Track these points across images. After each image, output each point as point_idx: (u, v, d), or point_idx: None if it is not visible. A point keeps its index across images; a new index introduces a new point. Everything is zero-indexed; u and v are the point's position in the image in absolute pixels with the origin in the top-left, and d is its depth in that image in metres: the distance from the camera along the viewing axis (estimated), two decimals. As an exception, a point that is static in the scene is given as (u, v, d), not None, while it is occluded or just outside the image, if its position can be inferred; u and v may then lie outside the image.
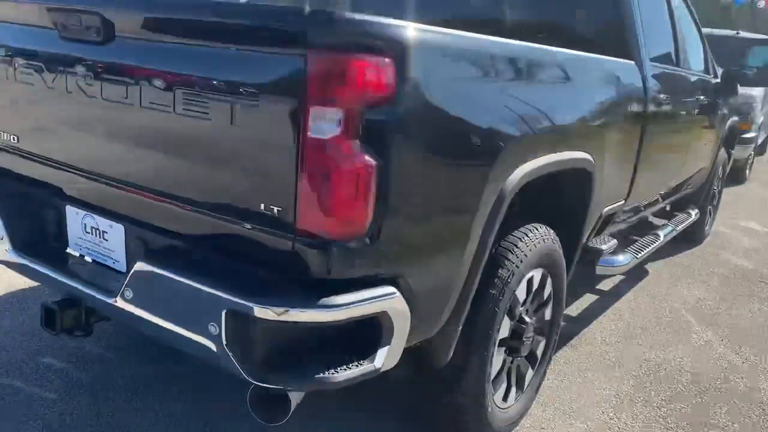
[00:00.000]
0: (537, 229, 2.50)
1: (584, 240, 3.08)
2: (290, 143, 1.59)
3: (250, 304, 1.61)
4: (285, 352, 1.70)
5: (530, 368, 2.73)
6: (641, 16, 3.37)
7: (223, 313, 1.65)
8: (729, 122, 5.35)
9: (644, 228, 4.40)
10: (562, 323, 3.74)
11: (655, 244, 4.00)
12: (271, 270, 1.73)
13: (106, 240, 2.10)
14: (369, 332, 1.77)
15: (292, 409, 1.80)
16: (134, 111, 1.85)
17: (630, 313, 4.11)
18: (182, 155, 1.83)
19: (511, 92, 2.08)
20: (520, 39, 2.21)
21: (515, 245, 2.37)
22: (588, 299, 4.26)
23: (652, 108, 3.36)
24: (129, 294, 1.87)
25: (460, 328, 2.14)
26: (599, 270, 3.48)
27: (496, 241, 2.31)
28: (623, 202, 3.38)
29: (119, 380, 2.82)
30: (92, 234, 2.14)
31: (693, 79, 4.28)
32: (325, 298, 1.64)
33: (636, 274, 4.75)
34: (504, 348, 2.50)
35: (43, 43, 2.07)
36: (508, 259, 2.33)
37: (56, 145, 2.17)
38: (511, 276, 2.32)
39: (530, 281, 2.53)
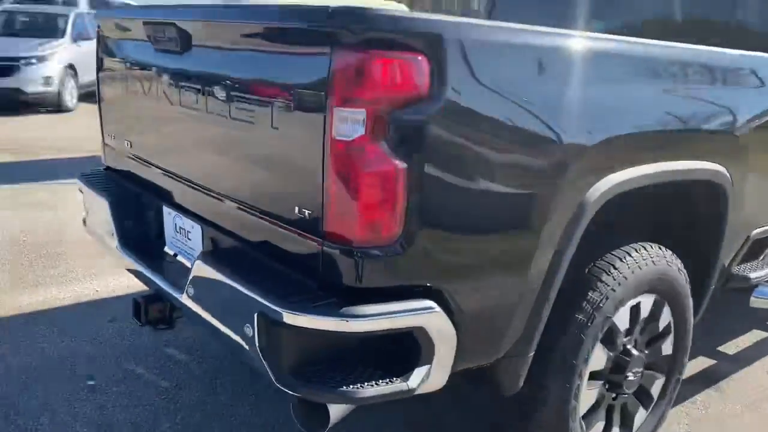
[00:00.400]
0: (645, 249, 2.20)
1: (723, 265, 2.66)
2: (318, 145, 1.55)
3: (279, 309, 1.59)
4: (315, 360, 1.65)
5: (642, 408, 2.40)
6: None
7: (256, 315, 1.64)
8: None
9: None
10: (714, 361, 3.33)
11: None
12: (307, 275, 1.69)
13: (190, 239, 2.21)
14: (404, 349, 1.65)
15: (332, 422, 1.74)
16: (199, 116, 1.94)
17: (806, 358, 3.47)
18: (234, 158, 1.87)
19: (587, 94, 1.83)
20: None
21: (612, 266, 2.10)
22: (754, 336, 3.68)
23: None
24: (191, 291, 1.94)
25: (531, 354, 1.93)
26: (753, 302, 2.99)
27: (583, 260, 2.08)
28: (781, 224, 2.87)
29: (230, 375, 2.95)
30: (181, 234, 2.27)
31: None
32: (351, 307, 1.57)
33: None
34: (601, 381, 2.21)
35: (144, 55, 2.25)
36: (602, 281, 2.07)
37: (154, 150, 2.34)
38: (604, 300, 2.05)
39: (636, 308, 2.22)
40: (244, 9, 1.73)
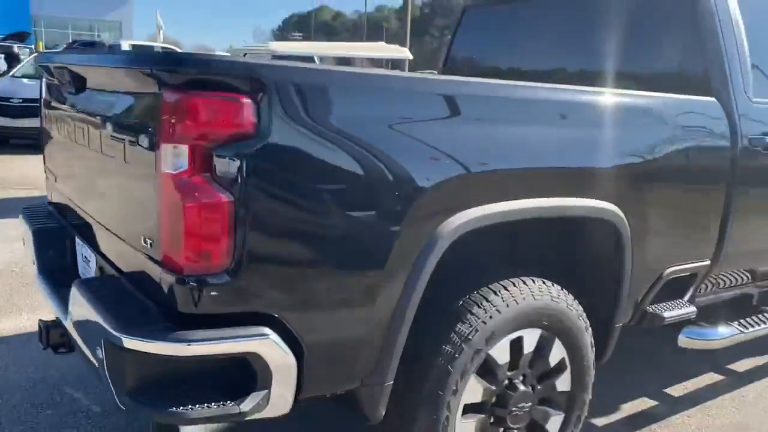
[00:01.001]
0: (524, 284, 2.23)
1: (636, 303, 2.66)
2: (153, 179, 1.66)
3: (118, 334, 1.68)
4: (158, 382, 1.73)
5: (537, 444, 2.40)
6: (740, 43, 2.88)
7: (103, 340, 1.74)
8: None
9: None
10: (655, 402, 3.27)
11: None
12: (156, 302, 1.79)
13: (90, 268, 2.34)
14: (241, 373, 1.73)
15: (183, 444, 1.82)
16: (86, 152, 2.09)
17: (756, 402, 3.39)
18: (105, 190, 2.00)
19: (427, 133, 1.90)
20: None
21: (485, 299, 2.14)
22: (707, 380, 3.61)
23: (748, 154, 2.82)
24: (71, 316, 2.06)
25: (389, 383, 1.98)
26: (682, 342, 2.97)
27: (454, 293, 2.13)
28: (708, 263, 2.85)
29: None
30: (85, 262, 2.40)
31: None
32: (181, 332, 1.65)
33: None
34: (482, 414, 2.23)
35: (58, 96, 2.42)
36: (472, 314, 2.11)
37: (66, 183, 2.50)
38: (473, 332, 2.09)
39: (517, 342, 2.24)
40: (108, 54, 1.88)
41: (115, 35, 40.23)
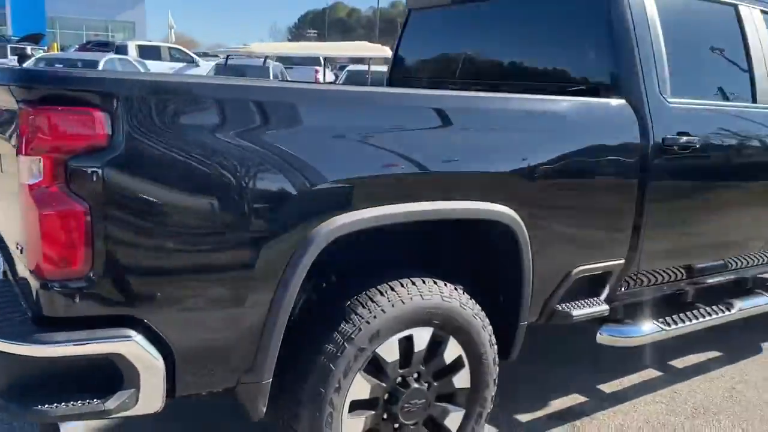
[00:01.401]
0: (413, 284, 2.29)
1: (544, 302, 2.71)
2: (18, 188, 1.76)
3: (-19, 337, 1.78)
4: (26, 383, 1.82)
5: (435, 441, 2.46)
6: (656, 45, 2.91)
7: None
8: None
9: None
10: (585, 398, 3.32)
11: (709, 318, 3.29)
12: (30, 306, 1.89)
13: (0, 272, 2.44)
14: (109, 373, 1.82)
15: (64, 439, 1.92)
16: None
17: (686, 399, 3.42)
18: (2, 199, 2.10)
19: (299, 140, 1.98)
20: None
21: (370, 299, 2.21)
22: (645, 375, 3.64)
23: (660, 155, 2.86)
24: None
25: (267, 381, 2.05)
26: (600, 339, 3.03)
27: (338, 294, 2.21)
28: (622, 262, 2.89)
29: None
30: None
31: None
32: (42, 334, 1.75)
33: (745, 351, 3.96)
34: (373, 411, 2.30)
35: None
36: (356, 314, 2.18)
37: None
38: (356, 332, 2.16)
39: (407, 341, 2.31)
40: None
41: (129, 35, 40.73)
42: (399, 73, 4.14)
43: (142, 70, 15.32)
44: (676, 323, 3.16)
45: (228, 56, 14.23)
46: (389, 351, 2.28)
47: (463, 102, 2.43)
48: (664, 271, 3.15)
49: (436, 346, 2.40)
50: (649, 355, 3.73)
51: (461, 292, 2.43)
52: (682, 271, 3.23)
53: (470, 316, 2.43)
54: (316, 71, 17.76)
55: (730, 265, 3.44)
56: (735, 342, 4.08)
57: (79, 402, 1.79)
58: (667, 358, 3.82)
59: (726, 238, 3.33)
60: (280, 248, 1.96)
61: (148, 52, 21.99)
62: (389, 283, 2.27)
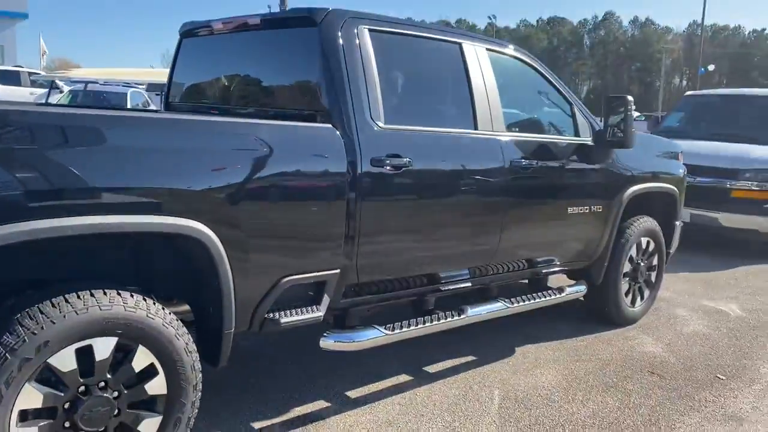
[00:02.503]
0: (91, 295, 2.41)
1: (253, 310, 2.90)
2: None
3: None
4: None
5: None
6: (369, 80, 3.22)
7: None
8: (629, 192, 4.73)
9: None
10: (327, 404, 3.52)
11: (437, 323, 3.61)
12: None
13: None
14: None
15: None
16: None
17: (423, 404, 3.70)
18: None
19: None
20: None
21: (40, 311, 2.31)
22: (395, 380, 3.90)
23: (370, 173, 3.15)
24: None
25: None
26: (324, 344, 3.27)
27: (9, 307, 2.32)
28: (337, 272, 3.14)
29: None
30: None
31: (507, 140, 3.89)
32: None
33: (497, 352, 4.32)
34: (50, 420, 2.37)
35: None
36: (23, 325, 2.28)
37: None
38: (20, 343, 2.25)
39: (86, 350, 2.41)
40: None
41: (-2, 60, 38.54)
42: (172, 97, 4.29)
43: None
44: (400, 328, 3.45)
45: (87, 82, 14.19)
46: (64, 361, 2.37)
47: (162, 123, 2.62)
48: (387, 282, 3.44)
49: (122, 354, 2.51)
50: (404, 361, 4.04)
51: (151, 302, 2.57)
52: (408, 281, 3.54)
53: (160, 325, 2.57)
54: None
55: (461, 275, 3.80)
56: (490, 346, 4.45)
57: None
58: (422, 364, 4.12)
59: (448, 250, 3.68)
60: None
61: (7, 77, 21.10)
62: (65, 295, 2.38)
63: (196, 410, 2.75)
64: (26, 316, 2.29)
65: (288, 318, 3.01)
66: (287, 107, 3.40)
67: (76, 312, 2.36)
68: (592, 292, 4.92)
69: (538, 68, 4.37)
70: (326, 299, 3.19)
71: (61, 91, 21.53)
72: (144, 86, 19.06)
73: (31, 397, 2.32)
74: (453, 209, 3.63)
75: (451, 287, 3.79)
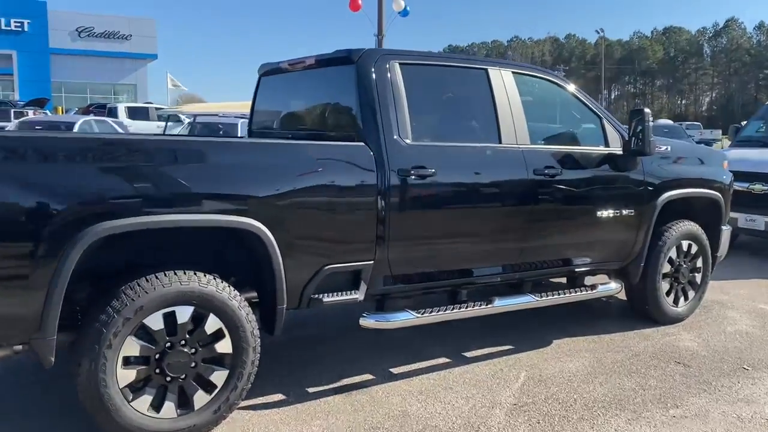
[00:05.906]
0: (174, 274, 3.24)
1: (300, 291, 3.64)
2: None
3: None
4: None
5: (202, 391, 3.35)
6: (398, 104, 3.91)
7: None
8: (664, 197, 5.08)
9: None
10: (372, 377, 4.18)
11: (465, 310, 4.19)
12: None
13: None
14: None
15: None
16: None
17: (457, 377, 4.28)
18: None
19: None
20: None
21: (138, 284, 3.16)
22: (435, 362, 4.50)
23: (397, 182, 3.82)
24: None
25: (51, 338, 2.98)
26: (364, 323, 3.94)
27: (111, 281, 3.18)
28: (370, 263, 3.82)
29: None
30: None
31: (527, 150, 4.39)
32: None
33: (533, 343, 4.82)
34: (144, 365, 3.21)
35: None
36: (126, 294, 3.13)
37: None
38: (123, 306, 3.10)
39: (170, 315, 3.23)
40: None
41: (131, 97, 42.73)
42: (254, 125, 5.19)
43: (118, 129, 16.61)
44: (429, 313, 4.07)
45: (195, 116, 15.69)
46: (155, 322, 3.21)
47: (215, 147, 3.47)
48: (419, 274, 4.08)
49: (198, 320, 3.33)
50: (446, 346, 4.64)
51: (219, 281, 3.37)
52: (437, 274, 4.16)
53: (227, 298, 3.36)
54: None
55: (488, 271, 4.37)
56: (527, 338, 4.95)
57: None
58: (462, 350, 4.69)
59: (471, 249, 4.27)
60: (54, 246, 2.92)
61: (138, 113, 23.70)
62: (156, 274, 3.22)
63: (256, 368, 3.51)
64: (128, 288, 3.15)
65: (330, 298, 3.73)
66: (335, 130, 4.17)
67: (163, 285, 3.20)
68: (632, 292, 5.30)
69: (566, 87, 4.89)
70: (363, 285, 3.87)
71: (182, 123, 23.92)
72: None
73: (132, 347, 3.17)
74: (475, 213, 4.23)
75: (479, 281, 4.37)
